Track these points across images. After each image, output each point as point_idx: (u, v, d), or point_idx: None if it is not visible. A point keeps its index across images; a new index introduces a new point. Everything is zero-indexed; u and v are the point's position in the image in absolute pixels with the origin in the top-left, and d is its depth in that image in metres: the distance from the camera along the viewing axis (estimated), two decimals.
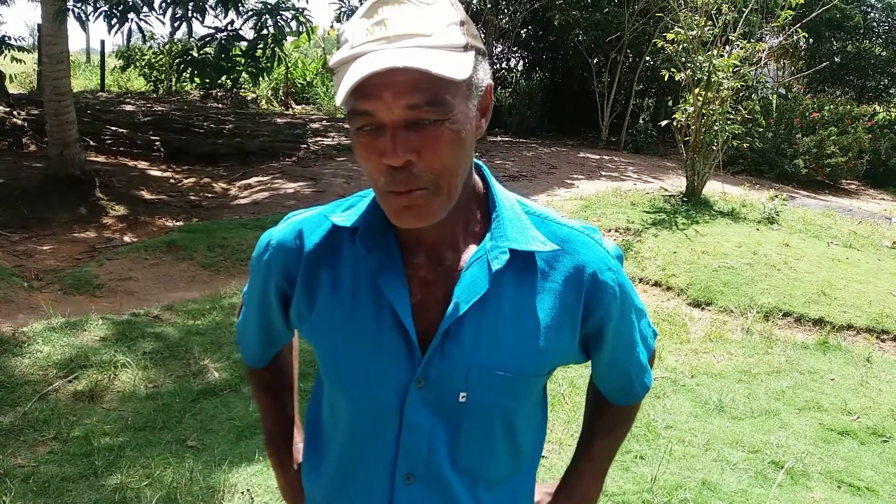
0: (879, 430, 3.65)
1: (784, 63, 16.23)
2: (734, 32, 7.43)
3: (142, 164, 9.52)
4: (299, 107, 16.60)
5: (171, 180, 9.00)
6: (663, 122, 8.26)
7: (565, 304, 0.97)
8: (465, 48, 0.86)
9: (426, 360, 0.94)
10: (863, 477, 3.20)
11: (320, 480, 1.07)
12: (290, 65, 16.08)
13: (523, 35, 15.51)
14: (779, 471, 3.16)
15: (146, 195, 8.08)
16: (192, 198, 8.28)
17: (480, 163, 1.01)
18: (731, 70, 7.24)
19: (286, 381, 1.27)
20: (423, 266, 0.97)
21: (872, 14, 16.01)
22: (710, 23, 7.30)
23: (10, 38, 11.06)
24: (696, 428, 3.49)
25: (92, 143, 9.55)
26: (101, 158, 9.37)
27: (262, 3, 7.94)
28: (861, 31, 15.13)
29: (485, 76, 0.91)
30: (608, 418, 1.18)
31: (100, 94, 15.27)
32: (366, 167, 0.89)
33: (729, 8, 7.43)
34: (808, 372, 4.28)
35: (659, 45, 7.74)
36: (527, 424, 1.04)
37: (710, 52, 7.23)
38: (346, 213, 1.01)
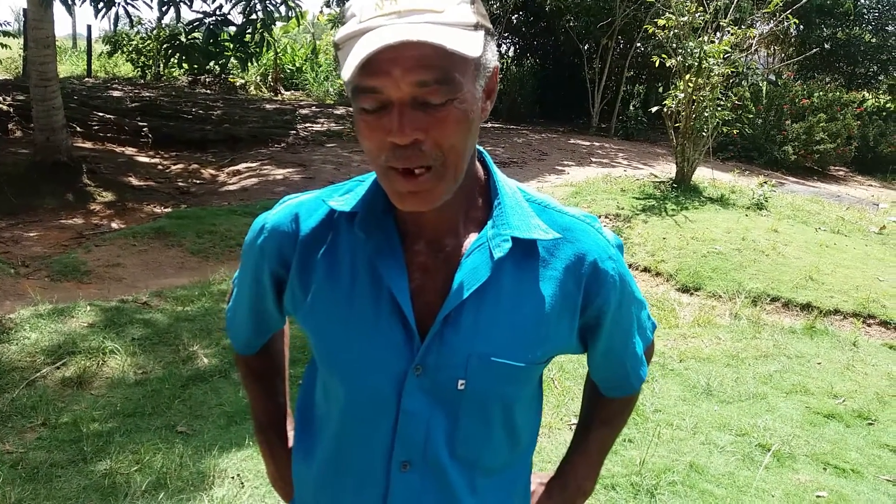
0: (865, 412, 3.69)
1: (774, 49, 16.24)
2: (725, 18, 7.43)
3: (129, 151, 9.44)
4: (288, 93, 16.48)
5: (159, 166, 8.94)
6: (653, 109, 8.26)
7: (566, 292, 0.96)
8: (476, 27, 0.84)
9: (425, 347, 0.93)
10: (848, 459, 3.24)
11: (312, 467, 1.06)
12: (279, 50, 15.96)
13: (514, 21, 15.43)
14: (765, 453, 3.20)
15: (134, 181, 8.02)
16: (181, 184, 8.23)
17: (482, 149, 1.00)
18: (721, 56, 7.24)
19: (277, 369, 1.25)
20: (423, 252, 0.95)
21: (862, 1, 16.02)
22: (700, 9, 7.30)
23: None
24: (684, 411, 3.52)
25: (79, 129, 9.46)
26: (88, 144, 9.29)
27: None
28: (851, 17, 15.14)
29: (492, 57, 0.89)
30: (604, 410, 1.17)
31: (86, 79, 15.10)
32: (367, 146, 0.87)
33: None
34: (796, 356, 4.32)
35: (650, 31, 7.72)
36: (524, 412, 1.03)
37: (700, 39, 7.22)
38: (343, 197, 0.99)
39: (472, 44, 0.82)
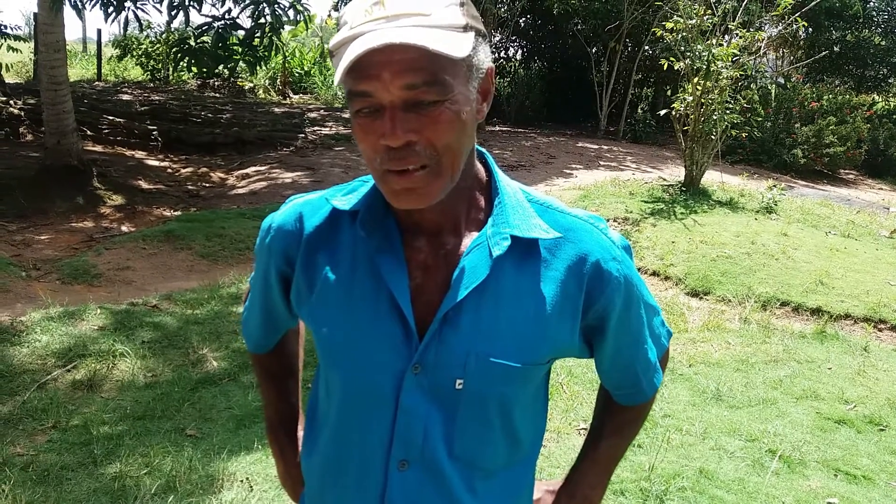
0: (876, 418, 3.67)
1: (783, 52, 16.19)
2: (733, 21, 7.40)
3: (139, 154, 9.50)
4: (297, 96, 16.53)
5: (169, 170, 8.98)
6: (662, 112, 8.25)
7: (567, 292, 0.96)
8: (465, 28, 0.85)
9: (423, 346, 0.93)
10: (859, 465, 3.22)
11: (313, 463, 1.07)
12: (287, 54, 15.99)
13: (522, 24, 15.43)
14: (776, 459, 3.18)
15: (144, 185, 8.06)
16: (190, 187, 8.27)
17: (484, 150, 1.00)
18: (730, 59, 7.21)
19: (289, 368, 1.26)
20: (424, 250, 0.96)
21: (872, 3, 15.95)
22: (709, 12, 7.28)
23: (6, 26, 11.00)
24: (693, 417, 3.50)
25: (89, 132, 9.53)
26: (99, 148, 9.35)
27: None
28: (860, 20, 15.08)
29: (485, 58, 0.90)
30: (615, 418, 1.16)
31: (96, 83, 15.20)
32: (362, 148, 0.89)
33: None
34: (806, 361, 4.30)
35: (658, 34, 7.71)
36: (525, 414, 1.02)
37: (709, 42, 7.21)
38: (347, 196, 1.01)
39: (459, 45, 0.84)
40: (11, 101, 10.03)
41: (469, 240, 0.96)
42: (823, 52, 13.14)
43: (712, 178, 8.29)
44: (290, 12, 7.97)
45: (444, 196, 0.90)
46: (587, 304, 0.97)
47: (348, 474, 1.01)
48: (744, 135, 9.29)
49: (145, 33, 15.28)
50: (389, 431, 0.96)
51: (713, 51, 7.10)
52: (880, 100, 14.46)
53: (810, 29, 14.18)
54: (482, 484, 1.00)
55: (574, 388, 3.64)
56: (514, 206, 0.97)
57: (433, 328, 0.93)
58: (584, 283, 0.96)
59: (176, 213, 7.02)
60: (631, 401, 1.14)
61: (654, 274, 5.62)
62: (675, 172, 9.21)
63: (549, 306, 0.95)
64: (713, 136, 7.51)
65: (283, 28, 8.62)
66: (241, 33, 7.92)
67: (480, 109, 0.91)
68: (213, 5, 7.86)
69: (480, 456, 0.99)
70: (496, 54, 15.76)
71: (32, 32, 13.93)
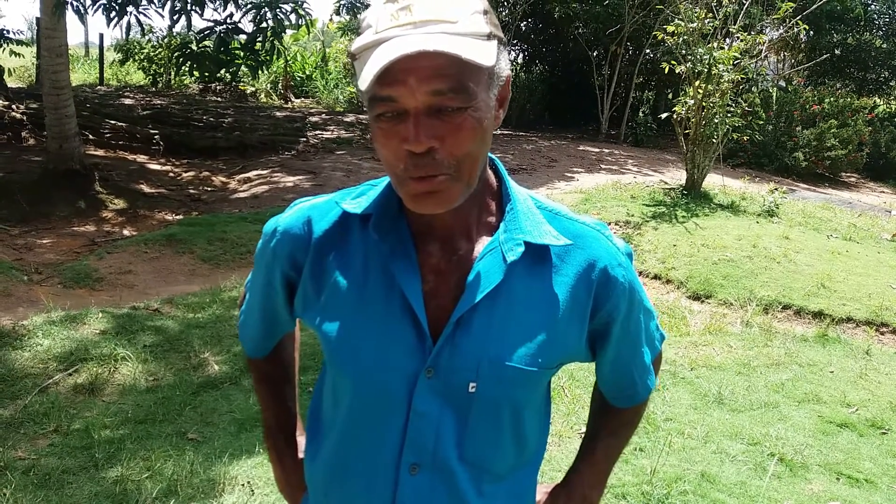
0: (878, 422, 3.66)
1: (784, 55, 16.19)
2: (734, 25, 7.41)
3: (141, 158, 9.51)
4: (298, 100, 16.55)
5: (171, 174, 8.99)
6: (663, 115, 8.24)
7: (576, 298, 0.97)
8: (489, 37, 0.86)
9: (437, 350, 0.93)
10: (861, 469, 3.21)
11: (318, 468, 1.07)
12: (289, 58, 16.03)
13: (523, 28, 15.46)
14: (777, 462, 3.17)
15: (145, 189, 8.07)
16: (192, 191, 8.27)
17: (494, 157, 1.01)
18: (731, 62, 7.22)
19: (287, 372, 1.26)
20: (436, 254, 0.96)
21: (873, 6, 15.95)
22: (710, 15, 7.29)
23: (8, 31, 11.01)
24: (695, 420, 3.50)
25: (91, 136, 9.53)
26: (101, 152, 9.36)
27: None
28: (862, 23, 15.08)
29: (505, 66, 0.91)
30: (611, 420, 1.17)
31: (99, 87, 15.22)
32: (384, 154, 0.88)
33: (729, 0, 7.41)
34: (808, 364, 4.29)
35: (659, 38, 7.71)
36: (533, 417, 1.03)
37: (710, 45, 7.21)
38: (357, 200, 1.01)
39: (486, 54, 0.84)
40: (14, 106, 10.05)
41: (481, 245, 0.97)
42: (825, 56, 13.14)
43: (714, 182, 8.29)
44: (292, 17, 7.98)
45: (462, 201, 0.91)
46: (594, 309, 0.99)
47: (356, 479, 1.01)
48: (745, 138, 9.30)
49: (147, 38, 15.31)
50: (401, 435, 0.96)
51: (714, 54, 7.10)
52: (882, 103, 14.46)
53: (811, 32, 14.16)
54: (490, 487, 1.01)
55: (575, 391, 3.64)
56: (525, 212, 0.98)
57: (447, 332, 0.93)
58: (593, 289, 0.98)
59: (177, 217, 7.03)
60: (626, 403, 1.16)
61: (656, 277, 5.62)
62: (677, 176, 9.21)
63: (560, 311, 0.97)
64: (714, 140, 7.51)
65: (285, 32, 8.63)
66: (242, 37, 7.93)
67: (497, 116, 0.92)
68: (215, 10, 7.86)
69: (490, 459, 1.00)
70: None
71: (35, 37, 13.97)
